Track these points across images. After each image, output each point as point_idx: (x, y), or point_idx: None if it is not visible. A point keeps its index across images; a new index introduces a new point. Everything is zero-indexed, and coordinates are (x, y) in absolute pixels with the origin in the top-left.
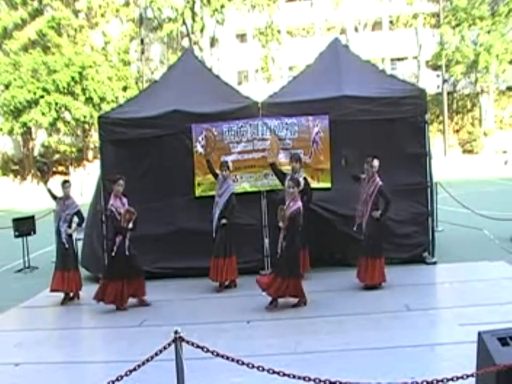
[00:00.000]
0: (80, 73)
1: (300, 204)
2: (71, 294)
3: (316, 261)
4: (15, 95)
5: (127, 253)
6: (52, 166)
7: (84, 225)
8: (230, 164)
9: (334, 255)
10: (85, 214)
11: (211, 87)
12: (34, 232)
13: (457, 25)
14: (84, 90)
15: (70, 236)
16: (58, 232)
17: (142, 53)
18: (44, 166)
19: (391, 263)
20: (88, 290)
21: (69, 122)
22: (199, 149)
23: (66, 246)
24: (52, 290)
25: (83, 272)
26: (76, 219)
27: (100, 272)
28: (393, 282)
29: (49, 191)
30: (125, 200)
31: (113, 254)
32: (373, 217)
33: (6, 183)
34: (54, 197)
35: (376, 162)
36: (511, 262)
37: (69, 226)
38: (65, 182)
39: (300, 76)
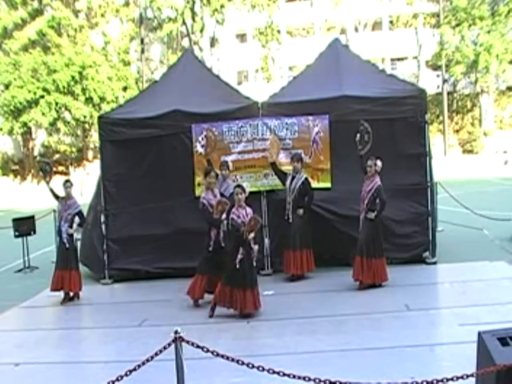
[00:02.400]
0: (80, 73)
1: (250, 210)
2: (71, 294)
3: (316, 261)
4: (15, 95)
5: (222, 244)
6: (53, 166)
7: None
8: (230, 164)
9: (334, 255)
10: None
11: (211, 87)
12: (34, 232)
13: (457, 25)
14: (84, 90)
15: (71, 235)
16: (59, 232)
17: (142, 53)
18: (46, 166)
19: (391, 263)
20: (88, 291)
21: (69, 122)
22: (199, 149)
23: (67, 246)
24: (52, 290)
25: (83, 272)
26: (77, 219)
27: (101, 272)
28: (393, 282)
29: (52, 191)
30: (216, 191)
31: (210, 248)
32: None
33: (6, 183)
34: (57, 197)
35: (379, 163)
36: (511, 262)
37: (70, 226)
38: (66, 181)
39: (300, 76)
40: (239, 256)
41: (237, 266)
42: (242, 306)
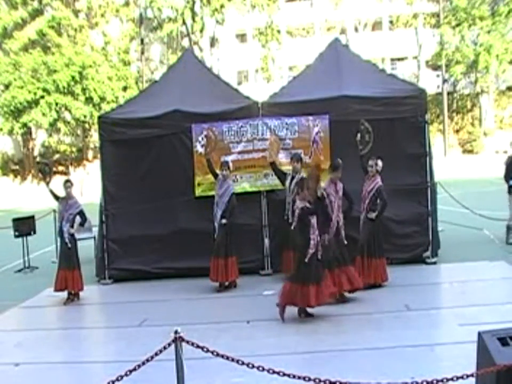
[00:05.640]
0: (80, 73)
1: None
2: (75, 294)
3: None
4: (15, 95)
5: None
6: (53, 166)
7: (86, 225)
8: (230, 164)
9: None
10: (88, 214)
11: (211, 87)
12: (35, 232)
13: (457, 25)
14: (84, 90)
15: (72, 235)
16: (60, 232)
17: (142, 53)
18: (46, 167)
19: (391, 263)
20: (88, 291)
21: (69, 122)
22: (199, 148)
23: (69, 245)
24: (56, 290)
25: (83, 272)
26: (78, 219)
27: (101, 272)
28: (393, 283)
29: (51, 191)
30: (340, 185)
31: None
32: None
33: (6, 183)
34: (56, 197)
35: (380, 163)
36: (511, 262)
37: (72, 226)
38: (66, 181)
39: (300, 76)
40: (310, 251)
41: (307, 260)
42: (307, 302)
